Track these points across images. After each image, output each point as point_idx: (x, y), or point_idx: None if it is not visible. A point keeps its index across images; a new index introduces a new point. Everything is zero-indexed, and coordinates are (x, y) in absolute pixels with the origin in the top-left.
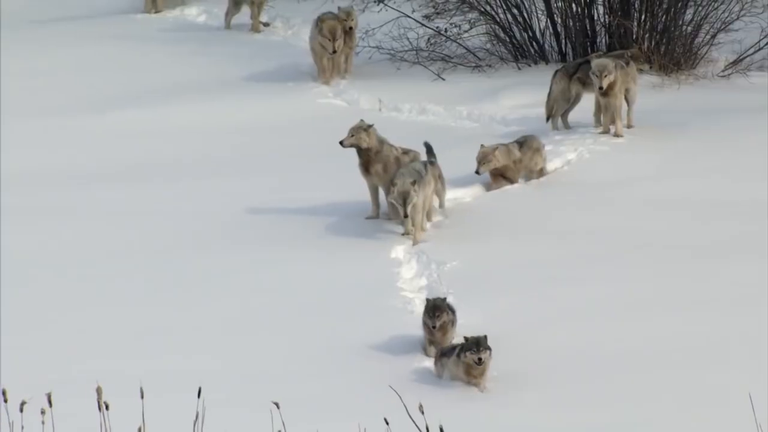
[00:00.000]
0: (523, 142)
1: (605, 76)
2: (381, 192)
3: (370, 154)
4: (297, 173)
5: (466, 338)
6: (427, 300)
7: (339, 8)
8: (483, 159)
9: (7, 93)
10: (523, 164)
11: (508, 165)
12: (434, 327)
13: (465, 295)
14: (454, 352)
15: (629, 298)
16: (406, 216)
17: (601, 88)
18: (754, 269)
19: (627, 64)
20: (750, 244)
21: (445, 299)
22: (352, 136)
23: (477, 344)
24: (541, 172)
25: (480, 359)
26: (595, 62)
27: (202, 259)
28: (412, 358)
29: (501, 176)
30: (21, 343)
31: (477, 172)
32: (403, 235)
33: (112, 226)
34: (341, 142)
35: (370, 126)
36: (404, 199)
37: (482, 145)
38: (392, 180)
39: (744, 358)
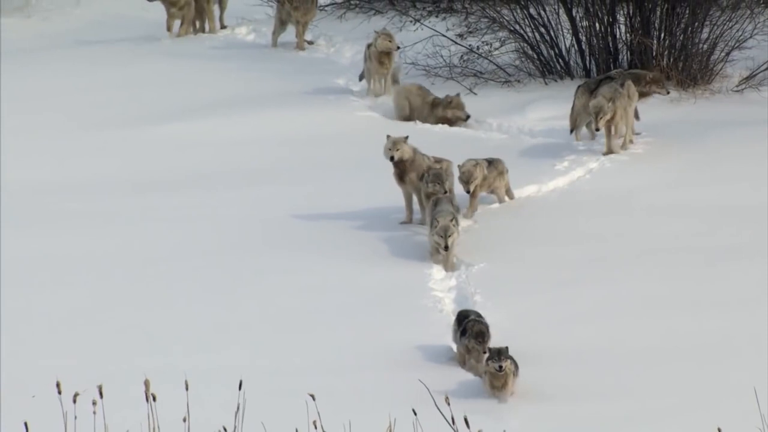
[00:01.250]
0: (491, 162)
1: (601, 117)
2: (414, 198)
3: (405, 164)
4: (334, 181)
5: (489, 349)
6: (467, 321)
7: (376, 32)
8: (470, 178)
9: (70, 107)
10: (488, 181)
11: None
12: (488, 357)
13: (491, 295)
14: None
15: (644, 299)
16: (446, 248)
17: (597, 129)
18: (760, 271)
19: (622, 85)
20: (757, 247)
21: (482, 320)
22: (397, 150)
23: (498, 354)
24: (509, 194)
25: (501, 367)
26: (592, 103)
27: (242, 263)
28: (440, 354)
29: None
30: (73, 340)
31: (467, 192)
32: (439, 263)
33: (163, 230)
34: (391, 158)
35: (405, 138)
36: (445, 231)
37: (459, 166)
38: (434, 217)
39: (751, 356)
